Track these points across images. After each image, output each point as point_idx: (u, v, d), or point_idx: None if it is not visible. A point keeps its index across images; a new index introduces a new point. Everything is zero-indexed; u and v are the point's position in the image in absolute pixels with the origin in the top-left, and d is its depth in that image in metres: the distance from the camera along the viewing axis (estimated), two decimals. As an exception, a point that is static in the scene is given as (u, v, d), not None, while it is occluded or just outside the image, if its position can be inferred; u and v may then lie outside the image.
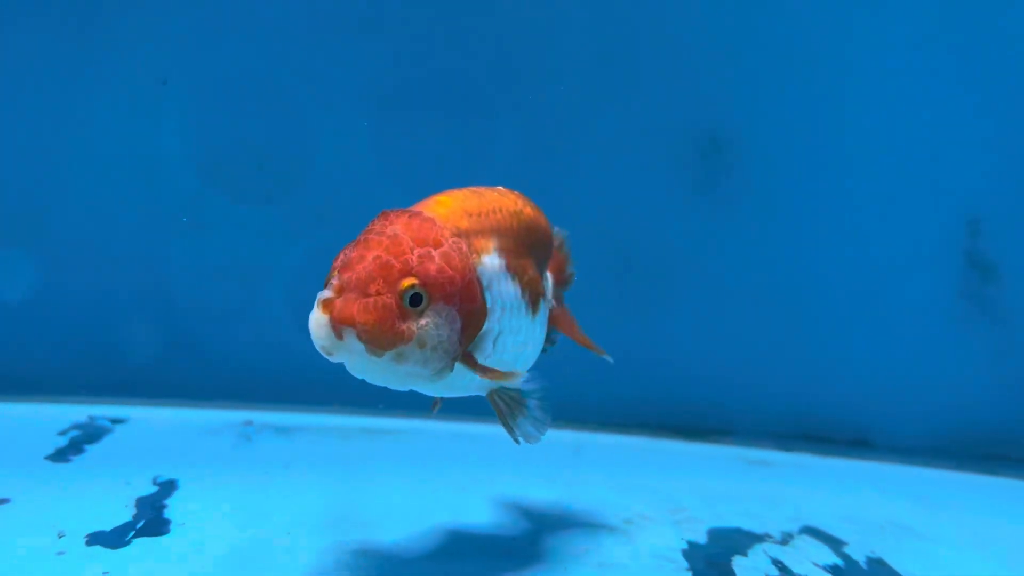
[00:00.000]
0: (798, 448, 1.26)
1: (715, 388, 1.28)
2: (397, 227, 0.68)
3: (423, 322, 0.66)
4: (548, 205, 1.27)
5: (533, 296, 0.78)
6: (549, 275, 0.89)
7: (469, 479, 1.05)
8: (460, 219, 0.73)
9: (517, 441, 0.76)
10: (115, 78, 1.25)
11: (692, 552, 0.88)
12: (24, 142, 1.25)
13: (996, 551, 0.96)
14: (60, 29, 1.23)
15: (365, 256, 0.66)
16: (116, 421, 1.17)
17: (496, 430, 1.26)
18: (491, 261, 0.74)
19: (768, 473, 1.17)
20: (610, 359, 0.92)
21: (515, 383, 0.73)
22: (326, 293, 0.65)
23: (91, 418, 1.17)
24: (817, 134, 1.25)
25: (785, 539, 0.93)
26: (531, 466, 1.12)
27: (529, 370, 0.80)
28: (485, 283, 0.73)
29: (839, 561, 0.89)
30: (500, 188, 0.81)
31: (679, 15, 1.25)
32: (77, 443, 1.08)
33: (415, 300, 0.66)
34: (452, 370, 0.70)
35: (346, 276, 0.66)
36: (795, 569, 0.86)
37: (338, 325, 0.64)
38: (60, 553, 0.78)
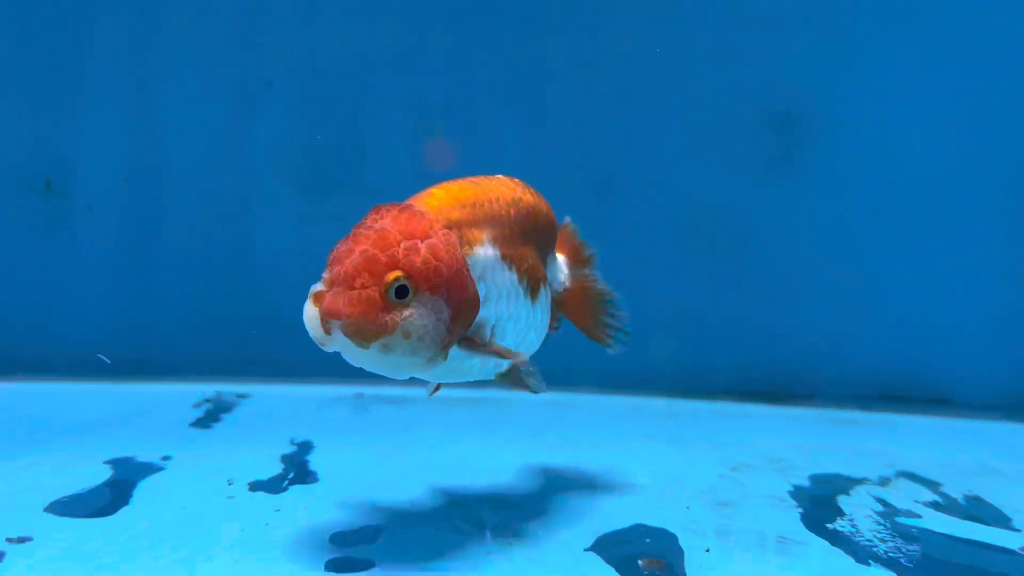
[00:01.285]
0: (881, 408, 1.31)
1: (798, 354, 1.34)
2: (386, 221, 0.70)
3: (407, 313, 0.68)
4: (631, 183, 1.35)
5: (532, 283, 0.80)
6: (561, 257, 0.91)
7: (573, 440, 1.12)
8: (452, 210, 0.74)
9: (536, 391, 0.79)
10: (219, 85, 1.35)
11: (798, 493, 0.95)
12: (133, 142, 1.34)
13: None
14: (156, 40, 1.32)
15: (354, 250, 0.68)
16: (241, 396, 1.26)
17: (592, 398, 1.34)
18: (484, 251, 0.75)
19: (855, 430, 1.23)
20: (613, 351, 0.91)
21: (522, 363, 0.76)
22: (318, 286, 0.68)
23: (218, 394, 1.26)
24: (883, 105, 1.32)
25: (883, 481, 1.00)
26: (629, 428, 1.20)
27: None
28: (478, 273, 0.73)
29: (938, 499, 0.95)
30: (500, 176, 0.82)
31: None
32: (212, 413, 1.18)
33: (400, 292, 0.68)
34: (446, 358, 0.72)
35: (336, 270, 0.68)
36: (898, 505, 0.92)
37: (326, 318, 0.67)
38: (230, 497, 0.87)
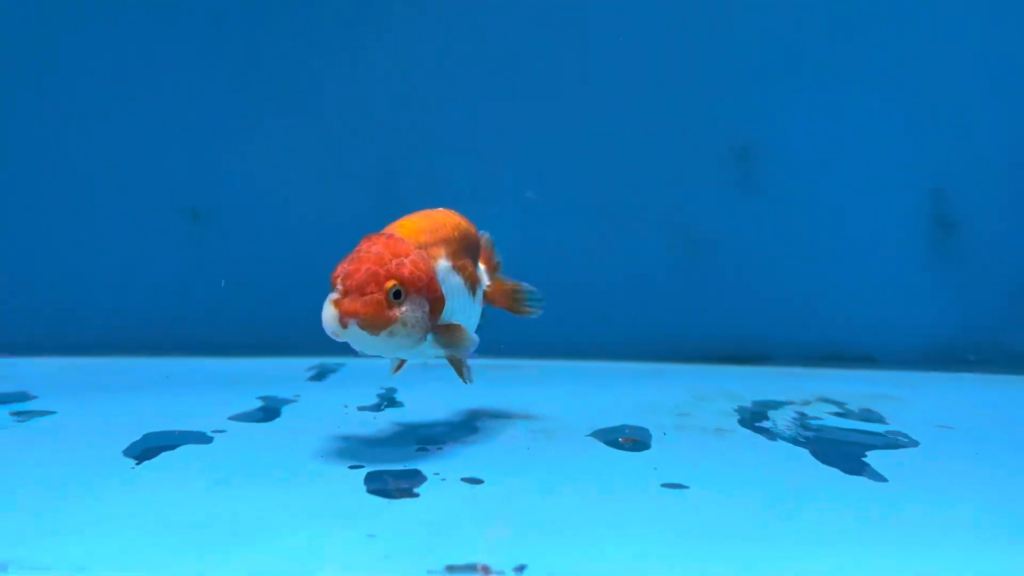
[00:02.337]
0: (822, 366, 1.70)
1: (758, 328, 1.73)
2: (378, 246, 0.98)
3: (403, 309, 0.96)
4: (631, 201, 1.75)
5: (472, 284, 1.11)
6: (482, 266, 1.20)
7: (578, 387, 1.53)
8: (419, 236, 1.03)
9: (466, 382, 1.11)
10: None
11: (740, 409, 1.34)
12: (261, 176, 1.79)
13: (959, 408, 1.40)
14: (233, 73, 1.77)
15: (359, 268, 0.95)
16: (339, 364, 1.69)
17: (594, 364, 1.72)
18: (443, 263, 1.04)
19: (797, 379, 1.61)
20: (537, 313, 1.22)
21: (471, 349, 1.05)
22: (334, 295, 0.94)
23: (322, 364, 1.69)
24: (818, 136, 1.73)
25: (804, 403, 1.38)
26: (622, 381, 1.58)
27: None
28: (440, 279, 1.01)
29: (839, 410, 1.34)
30: (442, 209, 1.13)
31: (720, 58, 1.75)
32: (321, 374, 1.60)
33: (397, 295, 0.95)
34: (426, 341, 1.01)
35: (348, 283, 0.94)
36: (809, 413, 1.31)
37: (345, 317, 0.93)
38: (346, 413, 1.28)
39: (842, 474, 1.02)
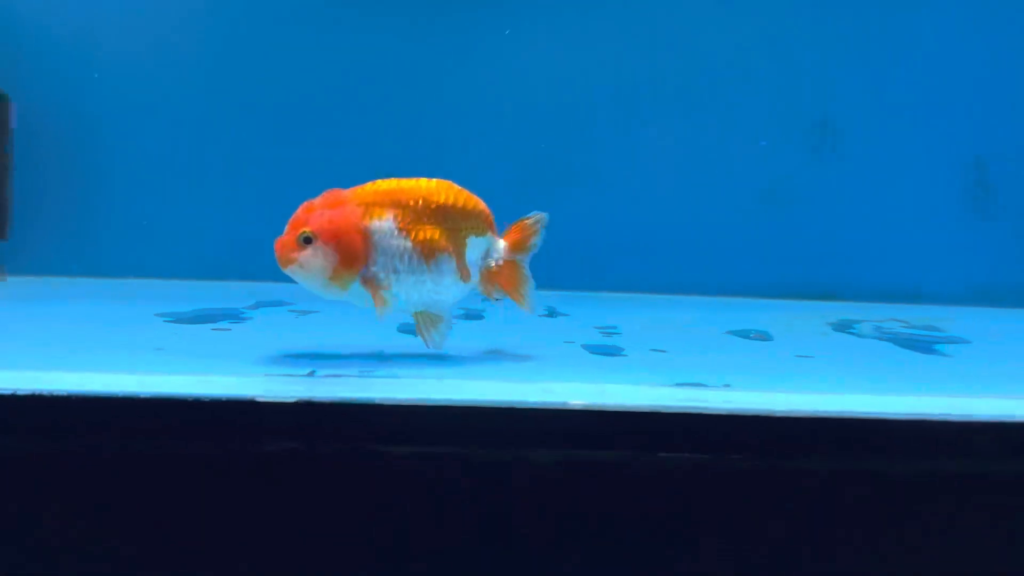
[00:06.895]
0: (879, 301, 2.10)
1: (837, 268, 2.15)
2: (317, 200, 1.09)
3: (306, 252, 1.06)
4: (724, 164, 2.15)
5: (427, 249, 1.10)
6: (502, 243, 1.18)
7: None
8: (367, 196, 1.09)
9: (428, 345, 1.13)
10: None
11: (830, 324, 1.72)
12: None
13: (997, 327, 1.80)
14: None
15: (295, 215, 1.07)
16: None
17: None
18: (385, 224, 1.08)
19: (865, 310, 1.99)
20: (531, 311, 1.17)
21: (381, 312, 1.09)
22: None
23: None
24: (885, 108, 2.13)
25: (879, 320, 1.77)
26: (732, 312, 1.98)
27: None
28: (376, 238, 1.08)
29: (905, 326, 1.72)
30: (435, 180, 1.13)
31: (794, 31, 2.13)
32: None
33: (307, 240, 1.06)
34: (344, 288, 1.08)
35: (288, 224, 1.06)
36: (884, 327, 1.69)
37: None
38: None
39: (918, 353, 1.42)
